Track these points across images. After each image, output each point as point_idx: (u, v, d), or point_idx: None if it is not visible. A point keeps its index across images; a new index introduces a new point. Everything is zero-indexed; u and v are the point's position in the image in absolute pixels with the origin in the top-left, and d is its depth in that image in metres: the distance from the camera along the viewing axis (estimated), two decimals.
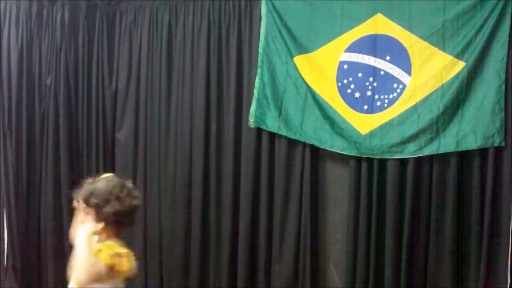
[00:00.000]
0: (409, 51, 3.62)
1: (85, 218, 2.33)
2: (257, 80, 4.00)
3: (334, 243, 3.94)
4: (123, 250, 2.26)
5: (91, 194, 2.30)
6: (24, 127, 4.49)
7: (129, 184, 2.39)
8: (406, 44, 3.63)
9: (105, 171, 4.47)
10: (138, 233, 4.40)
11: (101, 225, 2.27)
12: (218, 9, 4.15)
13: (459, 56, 3.50)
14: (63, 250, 4.46)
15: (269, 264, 4.03)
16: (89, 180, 2.37)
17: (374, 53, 3.72)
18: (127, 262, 2.25)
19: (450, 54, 3.52)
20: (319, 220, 3.95)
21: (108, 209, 2.27)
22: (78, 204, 2.34)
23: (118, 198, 2.30)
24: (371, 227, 3.70)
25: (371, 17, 3.72)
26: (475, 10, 3.46)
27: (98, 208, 2.29)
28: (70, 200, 4.07)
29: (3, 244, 4.50)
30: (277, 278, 3.98)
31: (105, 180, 2.37)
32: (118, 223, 2.31)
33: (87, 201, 2.30)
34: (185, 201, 4.26)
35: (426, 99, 3.58)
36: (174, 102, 4.31)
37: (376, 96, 3.72)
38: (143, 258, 4.37)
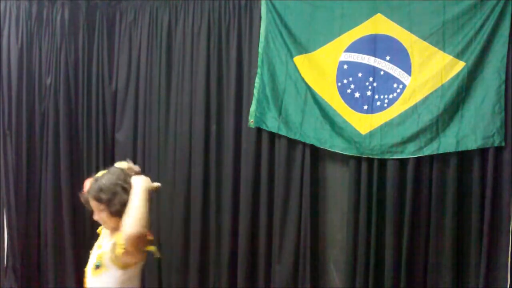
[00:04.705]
0: (409, 51, 3.63)
1: (100, 216, 2.34)
2: (257, 80, 4.00)
3: (334, 243, 3.94)
4: None
5: (99, 190, 2.30)
6: (24, 127, 4.49)
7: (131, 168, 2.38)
8: (406, 44, 3.63)
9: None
10: None
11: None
12: (218, 9, 4.15)
13: (459, 56, 3.50)
14: (63, 250, 4.46)
15: (269, 264, 4.03)
16: (94, 177, 2.38)
17: (374, 53, 3.72)
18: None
19: (450, 54, 3.52)
20: (319, 220, 3.95)
21: (117, 201, 2.27)
22: (92, 204, 2.35)
23: (124, 189, 2.30)
24: (371, 227, 3.70)
25: (371, 17, 3.72)
26: (475, 10, 3.46)
27: (109, 203, 2.29)
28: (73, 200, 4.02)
29: (3, 244, 4.50)
30: (277, 278, 3.98)
31: (108, 173, 2.36)
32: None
33: (97, 199, 2.31)
34: (185, 200, 4.25)
35: (426, 99, 3.58)
36: (173, 102, 4.31)
37: (376, 96, 3.72)
38: None
